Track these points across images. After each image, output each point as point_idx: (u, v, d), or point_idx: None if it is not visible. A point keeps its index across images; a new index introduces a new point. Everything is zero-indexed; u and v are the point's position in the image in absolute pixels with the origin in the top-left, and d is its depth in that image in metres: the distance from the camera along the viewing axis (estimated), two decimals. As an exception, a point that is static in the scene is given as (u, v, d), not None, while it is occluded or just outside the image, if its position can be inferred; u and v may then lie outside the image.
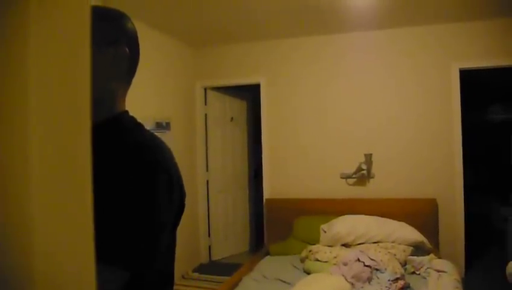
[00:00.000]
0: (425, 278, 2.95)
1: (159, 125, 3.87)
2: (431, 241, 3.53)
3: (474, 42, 3.78)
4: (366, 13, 3.55)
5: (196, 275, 4.29)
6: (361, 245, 3.36)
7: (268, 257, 3.69)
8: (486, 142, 6.26)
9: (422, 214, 3.71)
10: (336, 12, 3.51)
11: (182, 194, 0.93)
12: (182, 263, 4.20)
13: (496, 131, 6.21)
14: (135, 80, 1.00)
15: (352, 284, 2.74)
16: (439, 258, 3.32)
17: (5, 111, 0.40)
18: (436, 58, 3.90)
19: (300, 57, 4.31)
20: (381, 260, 2.98)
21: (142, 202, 0.79)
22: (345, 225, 3.47)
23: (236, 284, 3.03)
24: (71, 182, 0.45)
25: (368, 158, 3.92)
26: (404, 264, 3.16)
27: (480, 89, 5.45)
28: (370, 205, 3.83)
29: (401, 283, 2.74)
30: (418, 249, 3.38)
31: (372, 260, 2.93)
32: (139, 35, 0.98)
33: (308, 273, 3.11)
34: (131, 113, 0.97)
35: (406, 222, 3.56)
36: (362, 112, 4.10)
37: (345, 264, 2.93)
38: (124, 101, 0.96)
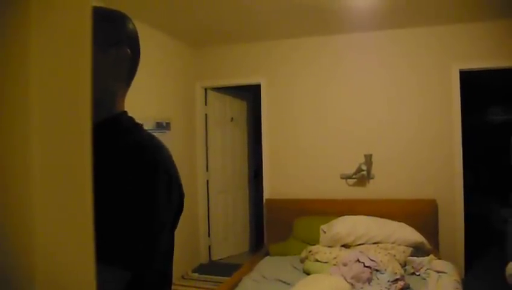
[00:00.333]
0: (425, 279, 2.95)
1: (159, 126, 3.88)
2: (431, 242, 3.53)
3: (474, 43, 3.79)
4: (366, 14, 3.55)
5: (196, 275, 4.30)
6: (361, 246, 3.36)
7: (268, 257, 3.69)
8: (486, 143, 6.27)
9: (422, 215, 3.71)
10: (336, 13, 3.51)
11: (180, 194, 0.94)
12: (181, 263, 4.20)
13: (496, 132, 6.22)
14: (135, 80, 1.00)
15: (352, 284, 2.74)
16: (439, 259, 3.32)
17: (6, 112, 0.40)
18: (436, 59, 3.90)
19: (300, 57, 4.31)
20: (381, 261, 2.98)
21: (141, 202, 0.79)
22: (344, 226, 3.47)
23: (236, 285, 3.03)
24: (71, 182, 0.45)
25: (368, 159, 3.92)
26: (404, 265, 3.16)
27: (480, 91, 5.46)
28: (370, 206, 3.83)
29: (400, 283, 2.74)
30: (417, 250, 3.38)
31: (372, 260, 2.93)
32: (139, 35, 0.98)
33: (308, 273, 3.11)
34: (131, 113, 0.97)
35: (406, 223, 3.56)
36: (362, 112, 4.11)
37: (345, 264, 2.93)
38: (123, 102, 0.96)
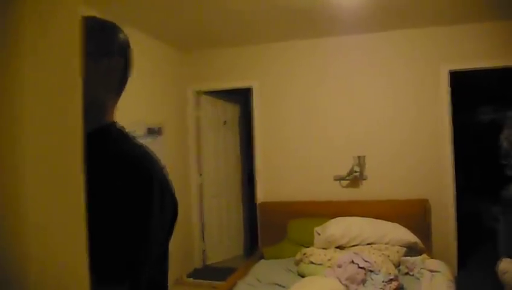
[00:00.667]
0: (418, 278, 2.97)
1: (150, 131, 3.85)
2: (424, 241, 3.56)
3: (463, 44, 3.83)
4: (357, 16, 3.58)
5: (190, 280, 4.28)
6: (355, 247, 3.37)
7: (262, 260, 3.68)
8: (476, 142, 6.33)
9: (415, 215, 3.73)
10: (327, 16, 3.53)
11: (174, 202, 0.94)
12: (175, 268, 4.17)
13: (486, 131, 6.28)
14: (126, 86, 1.00)
15: (346, 286, 2.75)
16: (432, 258, 3.35)
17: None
18: (426, 60, 3.94)
19: (292, 60, 4.33)
20: (375, 262, 3.00)
21: (132, 212, 0.79)
22: (338, 227, 3.48)
23: (230, 289, 3.03)
24: (64, 187, 0.46)
25: (361, 160, 3.95)
26: (397, 265, 3.18)
27: (470, 90, 5.52)
28: (363, 207, 3.85)
29: (395, 284, 2.76)
30: (411, 250, 3.40)
31: (366, 261, 2.94)
32: (130, 41, 0.98)
33: (303, 276, 3.11)
34: (122, 119, 0.97)
35: (399, 223, 3.58)
36: (354, 114, 4.13)
37: (339, 266, 2.94)
38: (113, 111, 0.96)
